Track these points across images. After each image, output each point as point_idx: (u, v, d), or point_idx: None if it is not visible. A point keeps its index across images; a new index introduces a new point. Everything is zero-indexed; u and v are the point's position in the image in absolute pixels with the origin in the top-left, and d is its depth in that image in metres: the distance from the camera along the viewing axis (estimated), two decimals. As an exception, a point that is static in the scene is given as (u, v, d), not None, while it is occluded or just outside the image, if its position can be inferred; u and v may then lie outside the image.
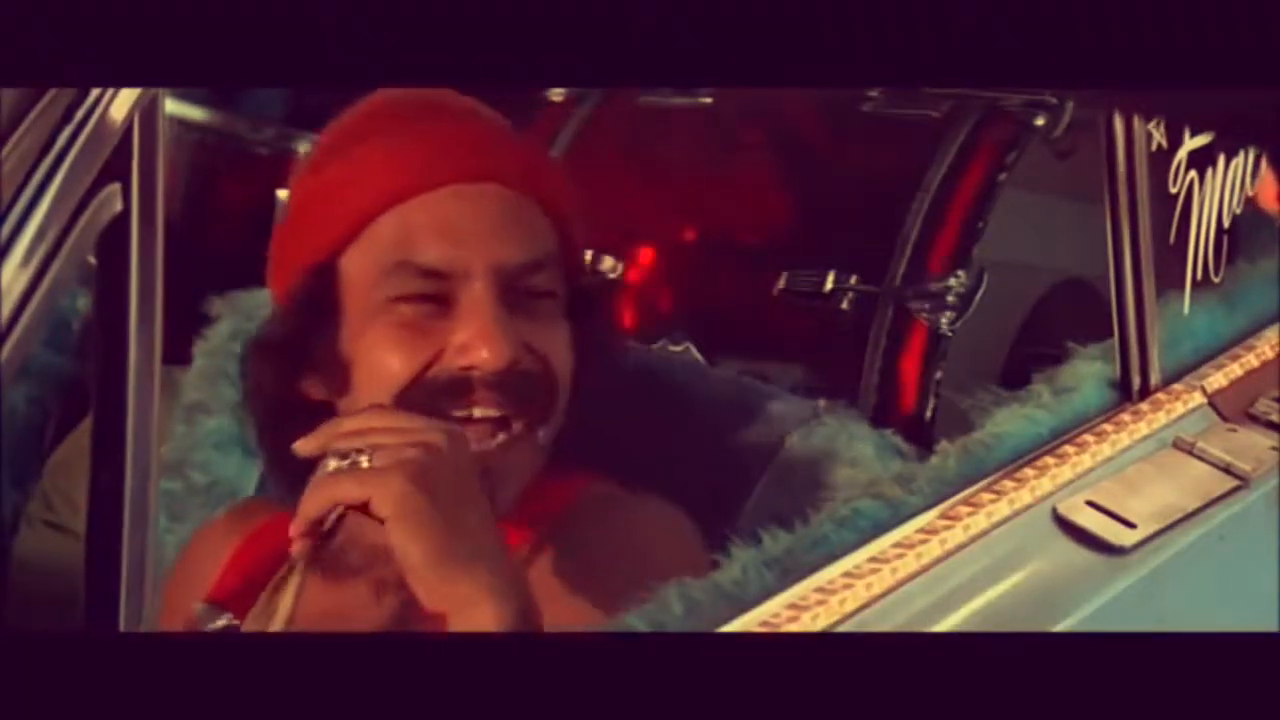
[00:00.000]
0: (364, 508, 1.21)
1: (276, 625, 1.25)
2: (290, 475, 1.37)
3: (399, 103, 1.42)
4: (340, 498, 1.22)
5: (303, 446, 1.26)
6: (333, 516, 1.27)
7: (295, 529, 1.23)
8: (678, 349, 1.79)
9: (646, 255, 1.84)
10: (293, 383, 1.40)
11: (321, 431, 1.26)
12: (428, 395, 1.34)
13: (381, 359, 1.35)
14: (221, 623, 1.36)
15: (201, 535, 1.53)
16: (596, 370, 1.42)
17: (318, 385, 1.39)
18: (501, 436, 1.35)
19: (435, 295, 1.36)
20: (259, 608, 1.28)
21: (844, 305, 1.68)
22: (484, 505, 1.24)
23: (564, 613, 1.27)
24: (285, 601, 1.26)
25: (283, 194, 2.36)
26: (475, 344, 1.34)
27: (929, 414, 1.66)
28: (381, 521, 1.21)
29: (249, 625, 1.28)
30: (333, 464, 1.23)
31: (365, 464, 1.22)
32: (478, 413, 1.34)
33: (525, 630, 1.20)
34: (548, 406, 1.38)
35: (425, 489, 1.20)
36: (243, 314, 1.69)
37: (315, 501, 1.23)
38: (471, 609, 1.19)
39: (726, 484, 1.53)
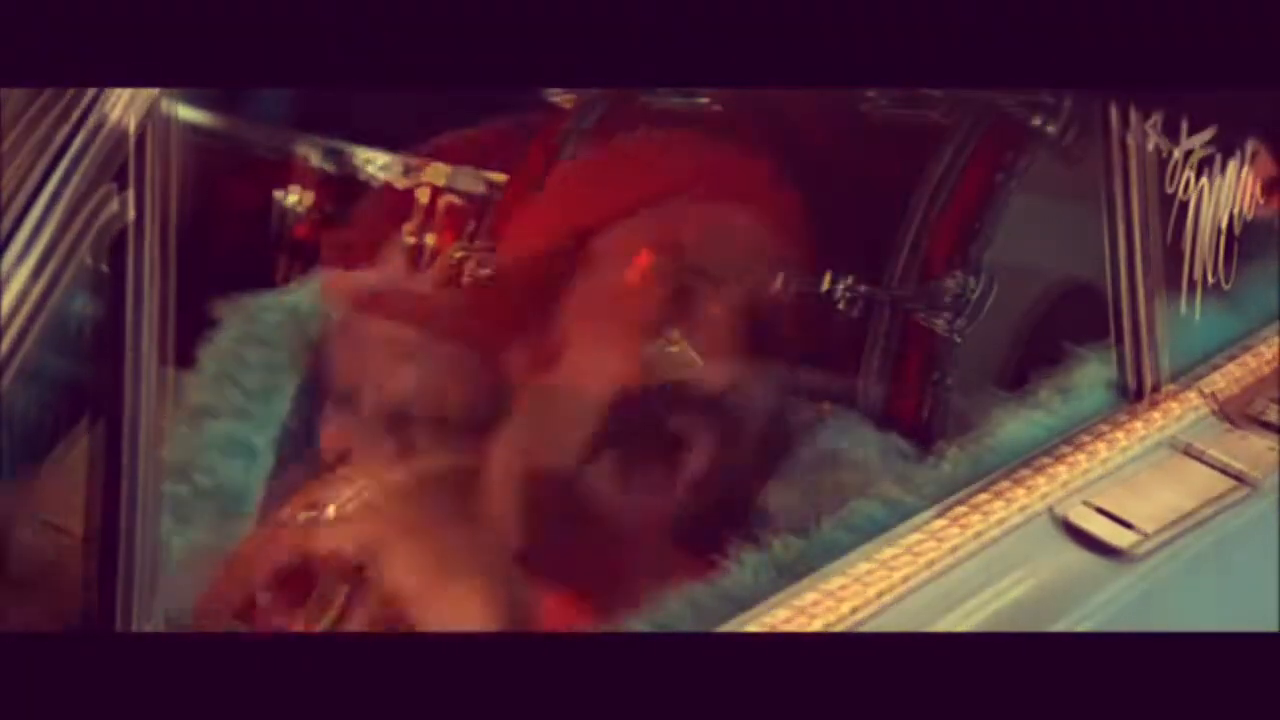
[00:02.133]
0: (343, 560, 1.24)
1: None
2: None
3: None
4: (308, 550, 1.25)
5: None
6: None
7: (262, 582, 1.28)
8: (674, 349, 1.78)
9: (646, 255, 1.84)
10: (493, 349, 1.44)
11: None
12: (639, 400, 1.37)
13: (608, 353, 1.38)
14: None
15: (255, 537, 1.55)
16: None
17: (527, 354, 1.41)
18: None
19: (681, 292, 1.38)
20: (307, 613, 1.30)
21: (842, 306, 1.68)
22: (478, 528, 1.28)
23: None
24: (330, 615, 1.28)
25: (279, 195, 2.38)
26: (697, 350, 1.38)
27: (930, 416, 1.66)
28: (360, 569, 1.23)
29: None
30: (301, 515, 1.27)
31: (332, 513, 1.26)
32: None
33: (518, 622, 1.22)
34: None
35: (394, 524, 1.24)
36: (247, 317, 1.69)
37: (280, 553, 1.27)
38: (464, 624, 1.21)
39: (733, 488, 1.53)
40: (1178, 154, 1.62)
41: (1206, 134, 1.64)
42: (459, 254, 1.79)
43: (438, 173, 2.35)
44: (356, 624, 1.35)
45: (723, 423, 1.35)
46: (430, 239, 2.34)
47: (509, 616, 1.20)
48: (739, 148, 1.46)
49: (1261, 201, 1.71)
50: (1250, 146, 1.69)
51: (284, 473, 1.65)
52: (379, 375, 1.45)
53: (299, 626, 1.28)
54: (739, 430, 1.37)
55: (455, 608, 1.21)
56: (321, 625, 1.31)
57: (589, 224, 1.42)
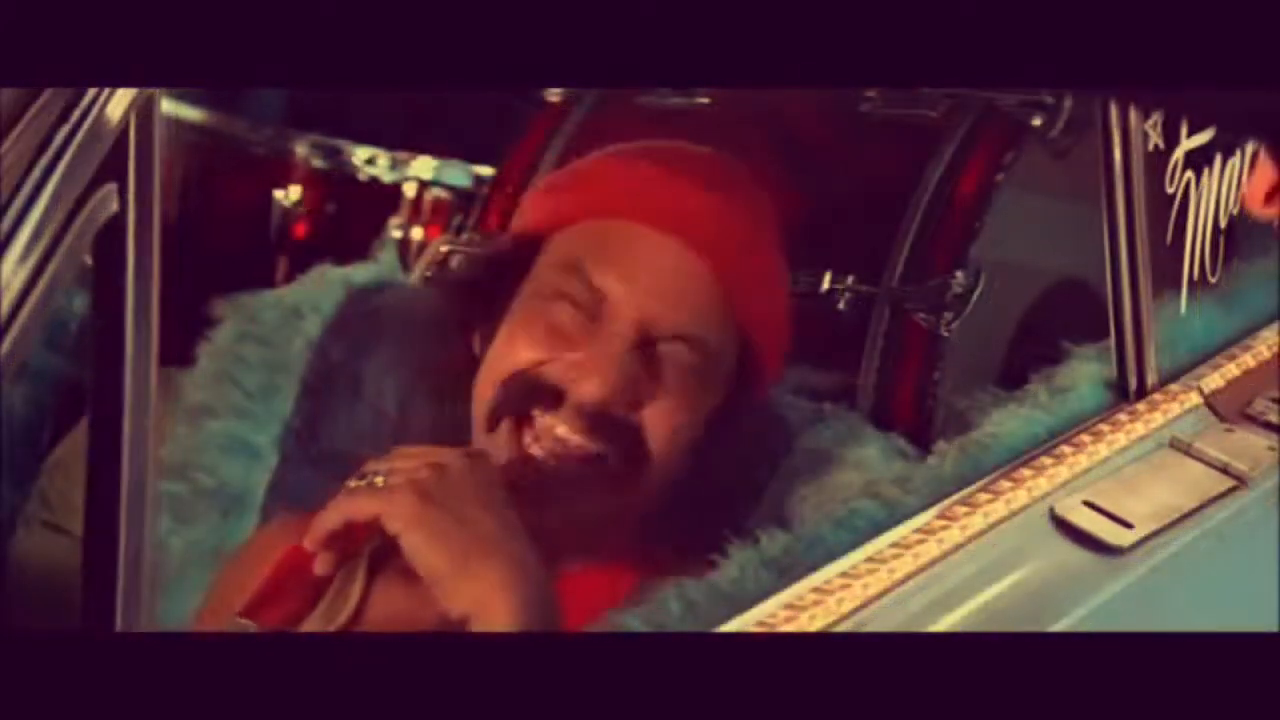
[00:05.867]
0: (376, 524, 1.26)
1: (339, 623, 1.28)
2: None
3: (698, 146, 1.52)
4: (353, 513, 1.27)
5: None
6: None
7: (309, 542, 1.28)
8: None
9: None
10: (463, 329, 1.48)
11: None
12: (528, 387, 1.39)
13: (518, 338, 1.42)
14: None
15: (256, 538, 1.55)
16: (698, 466, 1.45)
17: (478, 340, 1.46)
18: (585, 468, 1.39)
19: (589, 310, 1.40)
20: (324, 607, 1.31)
21: (841, 306, 1.68)
22: (506, 515, 1.28)
23: None
24: (349, 604, 1.29)
25: (280, 195, 2.37)
26: (586, 366, 1.38)
27: (927, 415, 1.66)
28: (395, 537, 1.25)
29: (313, 624, 1.30)
30: (351, 483, 1.29)
31: (380, 483, 1.27)
32: (560, 431, 1.38)
33: (545, 623, 1.23)
34: (634, 470, 1.40)
35: (433, 503, 1.24)
36: (246, 316, 1.68)
37: (329, 516, 1.27)
38: (485, 611, 1.23)
39: (734, 488, 1.53)
40: (1177, 154, 1.63)
41: (1206, 134, 1.64)
42: (445, 248, 1.79)
43: (425, 167, 2.35)
44: (381, 596, 1.37)
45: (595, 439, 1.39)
46: (417, 233, 2.34)
47: (528, 610, 1.22)
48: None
49: (1259, 202, 1.71)
50: (1249, 146, 1.70)
51: (285, 472, 1.65)
52: None
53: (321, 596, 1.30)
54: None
55: (478, 593, 1.23)
56: (347, 592, 1.33)
57: (547, 227, 1.47)
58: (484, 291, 1.47)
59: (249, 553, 1.53)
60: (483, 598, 1.22)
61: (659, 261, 1.42)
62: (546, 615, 1.23)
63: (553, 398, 1.38)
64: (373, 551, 1.37)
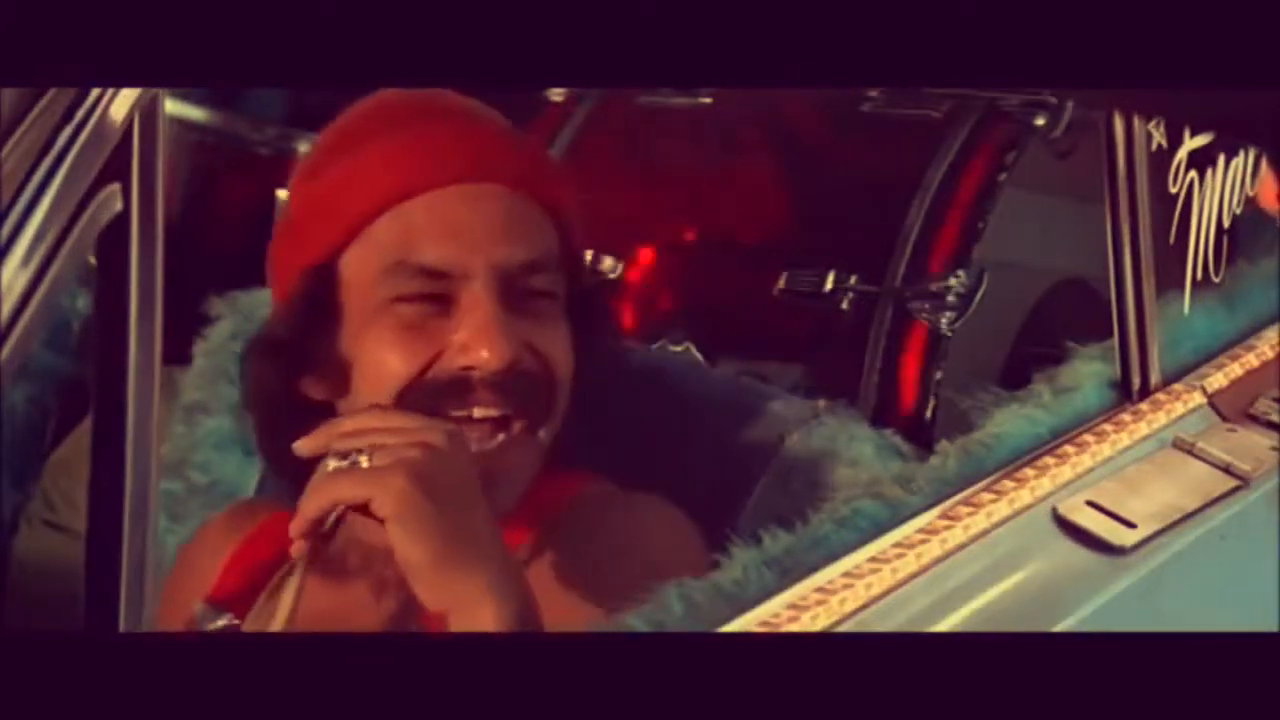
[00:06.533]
0: (364, 508, 1.21)
1: (276, 625, 1.26)
2: (290, 477, 1.37)
3: (397, 104, 1.42)
4: (340, 498, 1.22)
5: (302, 446, 1.26)
6: (332, 517, 1.27)
7: (295, 529, 1.23)
8: (678, 349, 1.78)
9: (646, 255, 1.84)
10: (292, 383, 1.40)
11: (321, 431, 1.26)
12: (427, 395, 1.34)
13: (382, 359, 1.35)
14: (221, 623, 1.36)
15: (202, 534, 1.54)
16: (596, 370, 1.42)
17: (317, 386, 1.39)
18: (501, 437, 1.35)
19: (435, 295, 1.36)
20: (258, 608, 1.28)
21: (844, 305, 1.68)
22: (484, 505, 1.24)
23: (564, 613, 1.27)
24: (285, 602, 1.26)
25: (283, 194, 2.37)
26: (475, 343, 1.34)
27: (929, 414, 1.66)
28: (382, 521, 1.21)
29: (249, 625, 1.28)
30: (333, 464, 1.23)
31: (365, 464, 1.22)
32: (478, 413, 1.35)
33: (525, 630, 1.20)
34: (548, 406, 1.38)
35: (425, 489, 1.20)
36: (243, 314, 1.69)
37: (315, 501, 1.23)
38: (471, 609, 1.19)
39: (727, 484, 1.53)
40: (1180, 153, 1.63)
41: (1208, 134, 1.64)
42: None
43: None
44: (312, 601, 1.36)
45: (509, 401, 1.35)
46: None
47: (512, 611, 1.20)
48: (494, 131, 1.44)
49: (1261, 199, 1.72)
50: (1252, 147, 1.70)
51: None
52: None
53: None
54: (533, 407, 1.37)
55: (463, 592, 1.19)
56: (279, 598, 1.30)
57: (336, 243, 1.39)
58: (298, 341, 1.39)
59: (201, 542, 1.52)
60: (468, 597, 1.19)
61: (468, 210, 1.37)
62: (527, 617, 1.21)
63: (457, 391, 1.34)
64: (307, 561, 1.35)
